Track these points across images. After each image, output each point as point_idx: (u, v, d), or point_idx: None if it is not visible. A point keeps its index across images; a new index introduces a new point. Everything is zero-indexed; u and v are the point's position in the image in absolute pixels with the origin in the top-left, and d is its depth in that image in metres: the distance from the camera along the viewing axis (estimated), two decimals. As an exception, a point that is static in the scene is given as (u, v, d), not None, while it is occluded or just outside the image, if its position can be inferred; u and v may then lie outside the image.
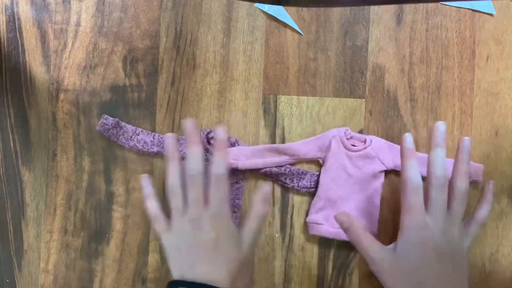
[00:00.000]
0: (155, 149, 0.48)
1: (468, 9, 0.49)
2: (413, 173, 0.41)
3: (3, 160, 0.49)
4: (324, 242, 0.49)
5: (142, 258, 0.49)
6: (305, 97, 0.49)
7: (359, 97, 0.49)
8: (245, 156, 0.47)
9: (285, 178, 0.48)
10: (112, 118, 0.48)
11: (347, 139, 0.48)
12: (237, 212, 0.48)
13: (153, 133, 0.48)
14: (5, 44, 0.49)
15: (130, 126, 0.48)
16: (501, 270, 0.49)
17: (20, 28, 0.49)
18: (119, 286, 0.49)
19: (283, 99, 0.49)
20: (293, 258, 0.49)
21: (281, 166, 0.48)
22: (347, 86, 0.49)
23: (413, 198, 0.40)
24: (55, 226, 0.49)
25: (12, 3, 0.49)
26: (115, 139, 0.48)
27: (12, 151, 0.49)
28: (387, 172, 0.49)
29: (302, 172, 0.48)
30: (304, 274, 0.49)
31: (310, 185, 0.48)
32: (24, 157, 0.49)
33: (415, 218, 0.40)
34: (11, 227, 0.49)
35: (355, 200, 0.48)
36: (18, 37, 0.49)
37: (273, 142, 0.49)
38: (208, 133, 0.48)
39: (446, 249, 0.40)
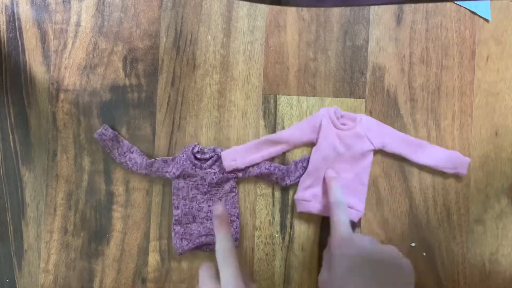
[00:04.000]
0: (144, 171, 0.48)
1: (468, 9, 0.49)
2: (340, 195, 0.45)
3: (3, 160, 0.49)
4: (324, 242, 0.49)
5: (142, 258, 0.49)
6: (305, 97, 0.49)
7: (359, 97, 0.49)
8: (242, 155, 0.48)
9: (276, 178, 0.48)
10: (111, 131, 0.48)
11: (337, 118, 0.48)
12: (236, 221, 0.48)
13: (144, 156, 0.48)
14: (5, 44, 0.49)
15: (126, 142, 0.48)
16: (501, 270, 0.49)
17: (20, 28, 0.49)
18: (119, 286, 0.49)
19: (283, 99, 0.49)
20: (293, 258, 0.49)
21: (270, 166, 0.48)
22: (347, 86, 0.49)
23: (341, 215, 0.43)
24: (55, 226, 0.49)
25: (12, 3, 0.49)
26: (108, 151, 0.48)
27: (12, 151, 0.49)
28: (386, 173, 0.49)
29: (290, 165, 0.48)
30: (304, 274, 0.49)
31: (301, 173, 0.48)
32: (24, 157, 0.49)
33: (341, 232, 0.42)
34: (11, 227, 0.49)
35: (344, 178, 0.48)
36: (18, 37, 0.49)
37: (273, 142, 0.49)
38: (192, 148, 0.48)
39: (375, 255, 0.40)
